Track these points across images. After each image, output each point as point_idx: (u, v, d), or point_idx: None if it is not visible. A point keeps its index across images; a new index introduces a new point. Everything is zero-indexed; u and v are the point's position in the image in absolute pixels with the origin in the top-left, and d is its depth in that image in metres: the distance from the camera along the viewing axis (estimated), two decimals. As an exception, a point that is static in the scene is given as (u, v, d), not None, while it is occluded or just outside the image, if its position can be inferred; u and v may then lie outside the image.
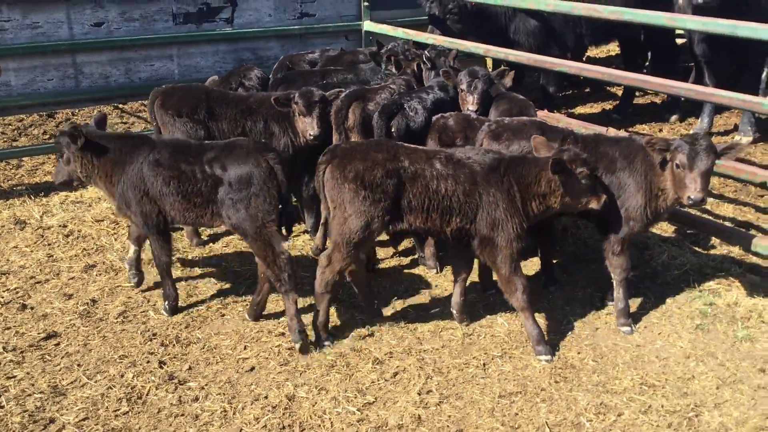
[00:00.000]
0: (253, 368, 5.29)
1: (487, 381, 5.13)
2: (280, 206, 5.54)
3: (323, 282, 5.42)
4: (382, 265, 6.80)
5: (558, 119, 7.67)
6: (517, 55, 7.71)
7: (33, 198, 8.21)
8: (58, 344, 5.58)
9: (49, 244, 7.24)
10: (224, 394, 5.01)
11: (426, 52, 7.59)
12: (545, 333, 5.57)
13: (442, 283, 6.48)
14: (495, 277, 5.74)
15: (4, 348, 5.46)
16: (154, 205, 5.65)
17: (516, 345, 5.54)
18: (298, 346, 5.40)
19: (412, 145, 5.65)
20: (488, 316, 5.94)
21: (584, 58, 12.14)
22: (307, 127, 6.69)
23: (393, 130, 6.49)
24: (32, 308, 6.07)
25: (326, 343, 5.52)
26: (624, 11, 6.62)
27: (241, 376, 5.21)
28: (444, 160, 5.34)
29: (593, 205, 5.33)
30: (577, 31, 10.16)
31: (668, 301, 6.09)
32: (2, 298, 6.17)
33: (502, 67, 7.96)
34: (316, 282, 5.47)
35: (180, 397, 4.97)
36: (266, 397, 4.97)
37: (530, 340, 5.43)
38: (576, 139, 5.80)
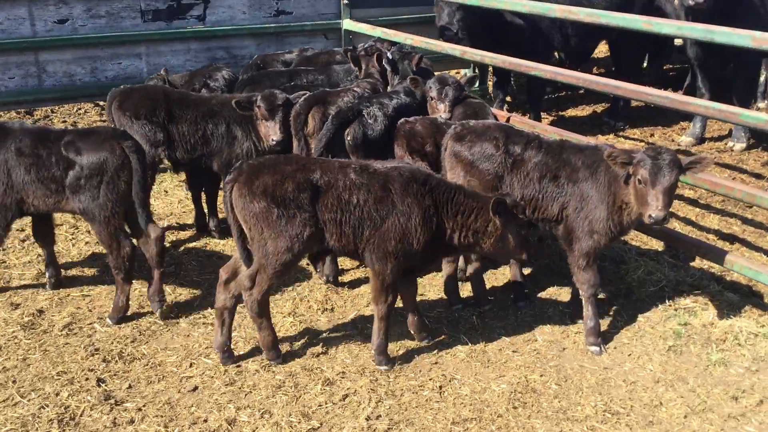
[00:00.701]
0: (196, 388, 5.01)
1: (441, 405, 4.84)
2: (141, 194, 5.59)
3: (252, 306, 5.06)
4: (343, 277, 6.50)
5: (533, 125, 7.35)
6: (492, 57, 7.40)
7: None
8: (-5, 358, 5.31)
9: (3, 249, 6.96)
10: (162, 416, 4.73)
11: (388, 53, 7.28)
12: (511, 352, 5.30)
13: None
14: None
15: (-64, 363, 5.19)
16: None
17: (477, 366, 5.25)
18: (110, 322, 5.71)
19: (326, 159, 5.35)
20: (452, 335, 5.64)
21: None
22: (270, 131, 6.41)
23: (349, 138, 6.18)
24: (-26, 319, 5.80)
25: (273, 362, 5.23)
26: (601, 14, 6.31)
27: (182, 396, 4.93)
28: (359, 170, 5.01)
29: (523, 257, 5.16)
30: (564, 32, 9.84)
31: (641, 319, 5.80)
32: (-56, 307, 5.90)
33: (472, 74, 7.65)
34: (247, 307, 5.14)
35: (115, 419, 4.69)
36: (206, 421, 4.69)
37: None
38: (540, 144, 5.51)
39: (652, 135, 10.37)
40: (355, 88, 6.67)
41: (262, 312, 5.10)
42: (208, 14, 8.84)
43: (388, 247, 4.92)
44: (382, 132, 6.23)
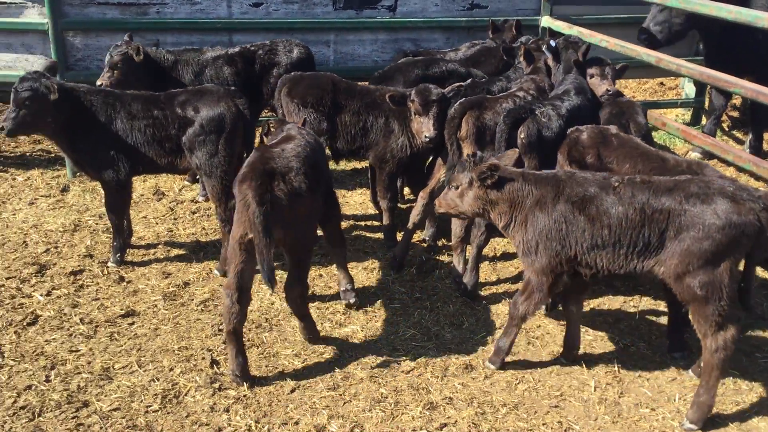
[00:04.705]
0: (298, 386, 4.88)
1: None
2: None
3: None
4: (483, 291, 6.06)
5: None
6: (691, 69, 6.45)
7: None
8: (132, 324, 5.58)
9: (174, 219, 7.38)
10: (258, 409, 4.67)
11: (551, 42, 6.64)
12: (648, 410, 4.58)
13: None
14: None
15: (81, 320, 5.56)
16: None
17: (604, 420, 4.60)
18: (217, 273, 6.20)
19: None
20: (584, 377, 5.01)
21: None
22: (423, 127, 6.13)
23: (522, 136, 5.71)
24: (128, 282, 6.16)
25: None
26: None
27: (283, 392, 4.83)
28: None
29: None
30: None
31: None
32: (107, 268, 6.34)
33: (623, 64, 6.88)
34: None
35: (214, 404, 4.71)
36: (296, 423, 4.56)
37: None
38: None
39: None
40: (517, 93, 6.16)
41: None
42: (399, 5, 8.67)
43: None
44: (556, 133, 5.69)
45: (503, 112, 5.80)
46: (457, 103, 6.08)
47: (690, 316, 4.54)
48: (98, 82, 6.77)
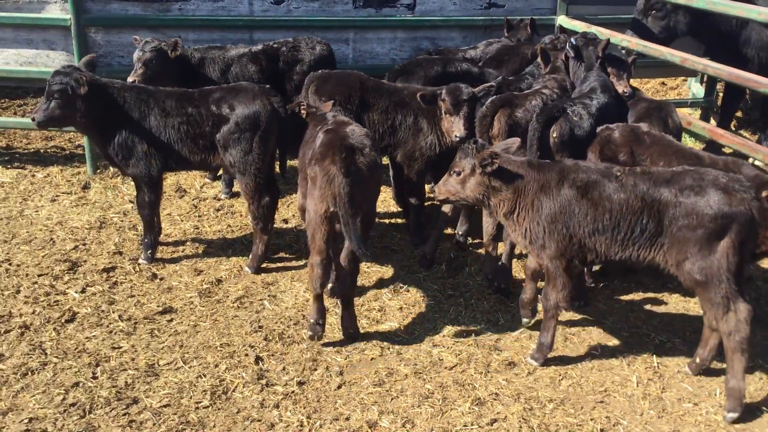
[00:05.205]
0: (341, 385, 4.91)
1: (598, 451, 4.36)
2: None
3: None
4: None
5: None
6: (717, 69, 6.55)
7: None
8: (170, 320, 5.59)
9: (199, 216, 7.38)
10: (307, 405, 4.70)
11: (572, 39, 6.73)
12: (691, 405, 4.67)
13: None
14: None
15: (120, 317, 5.56)
16: None
17: (650, 414, 4.68)
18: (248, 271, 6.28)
19: None
20: (626, 372, 5.10)
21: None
22: (453, 127, 6.16)
23: (555, 135, 5.78)
24: (161, 279, 6.17)
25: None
26: None
27: (330, 388, 4.87)
28: None
29: None
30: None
31: None
32: (139, 265, 6.34)
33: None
34: None
35: (264, 399, 4.74)
36: (347, 419, 4.59)
37: None
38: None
39: None
40: (543, 90, 6.26)
41: None
42: (418, 3, 8.71)
43: None
44: (588, 132, 5.77)
45: (533, 109, 5.88)
46: (489, 101, 6.14)
47: (701, 306, 4.76)
48: (129, 79, 6.75)
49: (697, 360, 5.07)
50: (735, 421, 4.61)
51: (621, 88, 6.61)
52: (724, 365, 5.09)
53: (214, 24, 8.11)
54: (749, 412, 4.71)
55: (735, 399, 4.64)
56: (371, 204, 5.38)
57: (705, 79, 9.88)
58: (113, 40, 7.89)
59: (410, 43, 8.87)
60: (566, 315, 5.78)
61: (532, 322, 5.53)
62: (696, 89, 10.48)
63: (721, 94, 10.09)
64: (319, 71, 6.90)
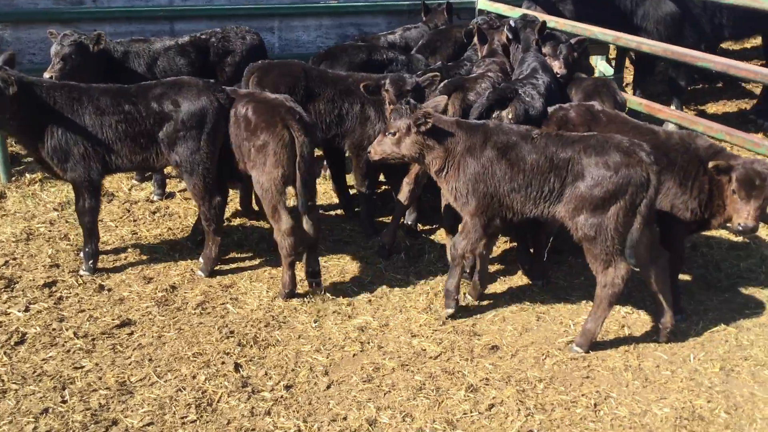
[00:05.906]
0: (330, 384, 4.76)
1: (597, 426, 4.44)
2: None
3: None
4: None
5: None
6: (652, 45, 6.81)
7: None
8: (131, 334, 5.23)
9: (134, 220, 6.96)
10: (300, 409, 4.52)
11: (510, 21, 6.86)
12: (669, 372, 4.84)
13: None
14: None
15: (75, 334, 5.15)
16: None
17: (634, 384, 4.82)
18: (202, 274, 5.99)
19: None
20: (603, 346, 5.22)
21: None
22: (400, 117, 6.08)
23: (510, 116, 5.81)
24: (109, 290, 5.76)
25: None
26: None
27: (319, 389, 4.70)
28: None
29: None
30: (716, 21, 9.08)
31: (818, 345, 5.21)
32: (81, 277, 5.89)
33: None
34: None
35: (253, 408, 4.52)
36: (345, 419, 4.46)
37: None
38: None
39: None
40: (488, 74, 6.34)
41: None
42: (343, -11, 8.59)
43: None
44: (541, 111, 5.84)
45: (483, 92, 5.92)
46: (441, 85, 6.12)
47: (586, 257, 5.06)
48: (46, 74, 6.25)
49: (664, 329, 5.25)
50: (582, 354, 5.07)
51: (556, 68, 6.75)
52: (691, 331, 5.37)
53: (133, 15, 7.65)
54: (725, 375, 4.94)
55: (586, 338, 5.10)
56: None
57: (616, 56, 10.25)
58: (23, 37, 7.30)
59: (336, 30, 8.72)
60: (533, 295, 5.88)
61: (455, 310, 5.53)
62: (603, 67, 10.86)
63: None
64: (259, 62, 6.64)
